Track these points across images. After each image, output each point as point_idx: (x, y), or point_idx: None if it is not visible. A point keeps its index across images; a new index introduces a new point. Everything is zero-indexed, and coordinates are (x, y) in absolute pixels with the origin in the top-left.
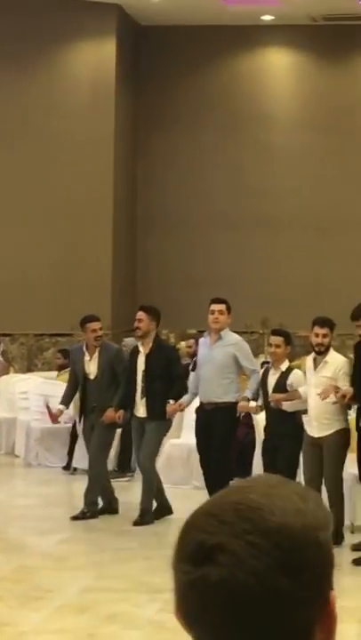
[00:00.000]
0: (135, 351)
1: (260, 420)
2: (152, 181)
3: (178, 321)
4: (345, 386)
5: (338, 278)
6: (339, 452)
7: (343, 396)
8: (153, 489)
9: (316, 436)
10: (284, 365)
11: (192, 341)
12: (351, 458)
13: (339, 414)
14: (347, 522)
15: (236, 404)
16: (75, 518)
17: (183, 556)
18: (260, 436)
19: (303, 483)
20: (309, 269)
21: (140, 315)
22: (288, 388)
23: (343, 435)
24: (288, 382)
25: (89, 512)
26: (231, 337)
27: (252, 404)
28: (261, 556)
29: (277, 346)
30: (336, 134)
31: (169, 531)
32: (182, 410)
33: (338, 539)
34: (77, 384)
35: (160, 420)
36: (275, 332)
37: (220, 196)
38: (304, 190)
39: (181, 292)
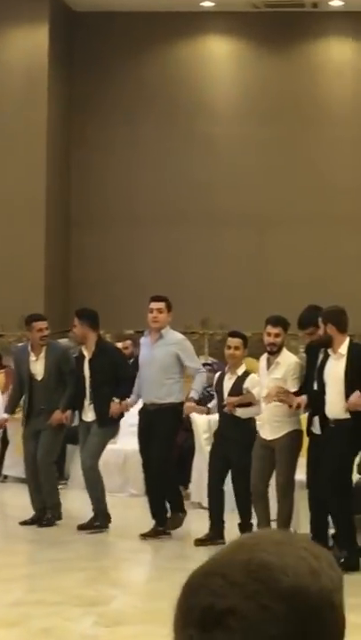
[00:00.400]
0: (80, 355)
1: (200, 423)
2: (88, 174)
3: (115, 321)
4: (294, 388)
5: (282, 276)
6: (290, 454)
7: (298, 406)
8: (98, 489)
9: (268, 438)
10: (241, 369)
11: (128, 342)
12: (300, 463)
13: (290, 415)
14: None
15: (180, 404)
16: (40, 525)
17: (190, 620)
18: (199, 440)
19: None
20: (252, 267)
21: (75, 321)
22: (244, 392)
23: (295, 437)
24: (244, 387)
25: (53, 516)
26: (173, 336)
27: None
28: (276, 621)
29: (236, 348)
30: (280, 125)
31: (106, 541)
32: (127, 410)
33: None
34: (22, 387)
35: (107, 426)
36: (233, 334)
37: (158, 189)
38: (247, 184)
39: (118, 291)
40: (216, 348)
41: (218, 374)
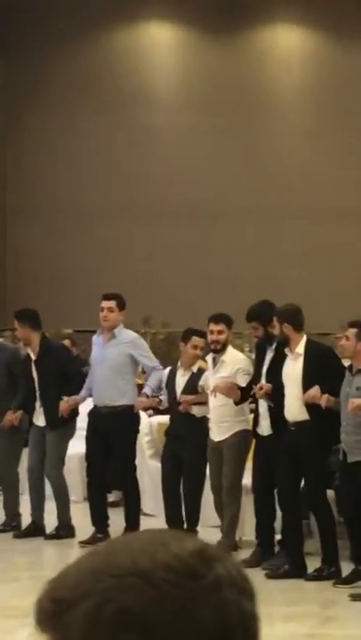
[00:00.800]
0: (27, 357)
1: (141, 425)
2: (23, 165)
3: (52, 320)
4: (243, 384)
5: (227, 272)
6: (237, 455)
7: (261, 389)
8: (65, 499)
9: (216, 439)
10: (196, 367)
11: (67, 342)
12: (247, 466)
13: (239, 415)
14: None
15: (133, 406)
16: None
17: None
18: (140, 442)
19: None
20: (196, 262)
21: (15, 323)
22: (199, 390)
23: (244, 437)
24: (200, 384)
25: (14, 522)
26: (126, 335)
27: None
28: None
29: (220, 332)
30: (224, 114)
31: (40, 549)
32: (76, 405)
33: (231, 549)
34: None
35: (60, 428)
36: (199, 334)
37: (97, 181)
38: (190, 176)
39: (55, 288)
40: (159, 347)
41: (168, 371)
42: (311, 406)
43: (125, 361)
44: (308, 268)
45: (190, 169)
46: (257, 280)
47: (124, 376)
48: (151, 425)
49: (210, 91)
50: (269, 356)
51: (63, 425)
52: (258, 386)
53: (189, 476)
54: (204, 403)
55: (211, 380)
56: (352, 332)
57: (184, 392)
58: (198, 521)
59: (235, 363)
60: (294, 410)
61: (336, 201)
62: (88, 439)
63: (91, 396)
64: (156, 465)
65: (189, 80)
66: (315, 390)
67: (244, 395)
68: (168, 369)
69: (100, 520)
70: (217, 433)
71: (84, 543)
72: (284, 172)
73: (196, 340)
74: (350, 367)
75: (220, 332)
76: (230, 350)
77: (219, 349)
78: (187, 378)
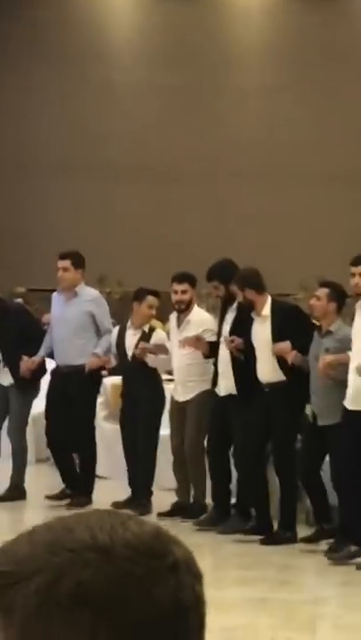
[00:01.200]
0: None
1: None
2: None
3: (5, 279)
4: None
5: (184, 232)
6: (200, 414)
7: (232, 342)
8: (22, 461)
9: (181, 399)
10: (147, 326)
11: (20, 301)
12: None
13: (204, 375)
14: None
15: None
16: None
17: None
18: (107, 400)
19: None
20: (153, 222)
21: None
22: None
23: (206, 396)
24: (152, 342)
25: None
26: (88, 292)
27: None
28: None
29: (183, 292)
30: (183, 72)
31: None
32: (35, 365)
33: (201, 511)
34: None
35: (24, 388)
36: (153, 293)
37: (52, 139)
38: (146, 135)
39: (7, 247)
40: (114, 306)
41: (117, 329)
42: (285, 367)
43: (86, 320)
44: (266, 230)
45: (146, 128)
46: (215, 240)
47: (85, 335)
48: (105, 386)
49: (167, 47)
50: (231, 315)
51: (28, 385)
52: (229, 338)
53: (145, 436)
54: (159, 354)
55: (175, 339)
56: (324, 291)
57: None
58: (153, 482)
59: (201, 323)
60: (268, 371)
61: (295, 162)
62: (48, 398)
63: (50, 355)
64: (109, 427)
65: (146, 36)
66: (285, 344)
67: (211, 350)
68: (117, 328)
69: (69, 475)
70: (182, 393)
71: (51, 498)
72: (241, 131)
73: (151, 299)
74: (319, 328)
75: (183, 292)
76: (196, 310)
77: (183, 309)
78: (138, 337)
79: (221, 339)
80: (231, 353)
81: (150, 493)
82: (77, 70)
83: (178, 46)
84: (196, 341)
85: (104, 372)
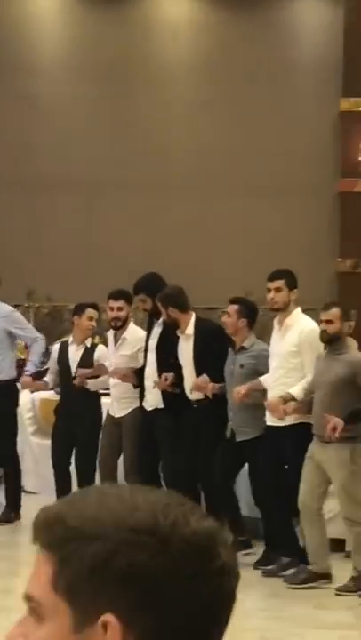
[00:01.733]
0: None
1: (22, 402)
2: None
3: None
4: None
5: (112, 245)
6: (135, 429)
7: (166, 380)
8: None
9: (117, 415)
10: (89, 341)
11: None
12: None
13: (137, 392)
14: None
15: (10, 381)
16: None
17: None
18: (22, 419)
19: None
20: (79, 235)
21: None
22: (95, 365)
23: (139, 412)
24: (95, 358)
25: None
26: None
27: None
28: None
29: (95, 319)
30: (110, 84)
31: None
32: None
33: None
34: None
35: None
36: (92, 306)
37: None
38: (74, 147)
39: None
40: (42, 321)
41: (59, 345)
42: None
43: (1, 335)
44: (195, 241)
45: (74, 139)
46: (145, 253)
47: (0, 352)
48: (34, 401)
49: (95, 60)
50: (158, 330)
51: None
52: (163, 377)
53: (84, 452)
54: (99, 376)
55: (113, 357)
56: (233, 308)
57: (80, 366)
58: None
59: (136, 341)
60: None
61: (223, 174)
62: None
63: None
64: (38, 442)
65: (74, 48)
66: (202, 379)
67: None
68: (57, 344)
69: None
70: (117, 409)
71: None
72: (169, 143)
73: (90, 311)
74: (233, 344)
75: (119, 309)
76: (132, 327)
77: (119, 326)
78: (81, 352)
79: (151, 380)
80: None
81: None
82: (3, 83)
83: (105, 60)
84: (123, 377)
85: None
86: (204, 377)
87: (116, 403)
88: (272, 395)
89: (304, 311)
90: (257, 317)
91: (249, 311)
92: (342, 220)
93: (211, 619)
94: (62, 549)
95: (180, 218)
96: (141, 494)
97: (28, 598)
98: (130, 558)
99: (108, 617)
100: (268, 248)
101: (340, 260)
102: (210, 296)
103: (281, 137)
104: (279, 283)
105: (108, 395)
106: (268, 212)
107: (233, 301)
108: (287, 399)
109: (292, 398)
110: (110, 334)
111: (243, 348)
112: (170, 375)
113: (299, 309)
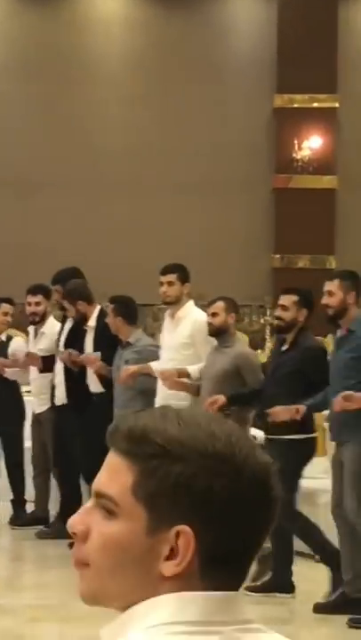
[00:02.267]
0: None
1: None
2: None
3: None
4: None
5: (45, 244)
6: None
7: (69, 355)
8: None
9: (37, 411)
10: (4, 335)
11: None
12: None
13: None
14: None
15: None
16: None
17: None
18: None
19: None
20: (13, 232)
21: None
22: (10, 357)
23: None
24: (10, 352)
25: None
26: None
27: None
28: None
29: (11, 314)
30: (43, 81)
31: None
32: None
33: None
34: None
35: None
36: (8, 301)
37: None
38: (7, 144)
39: None
40: None
41: None
42: (101, 378)
43: None
44: (130, 239)
45: (7, 137)
46: (76, 252)
47: None
48: None
49: (28, 57)
50: (68, 325)
51: None
52: (66, 352)
53: (12, 448)
54: (18, 367)
55: (33, 351)
56: (110, 307)
57: None
58: (25, 491)
59: (54, 335)
60: (93, 381)
61: (160, 170)
62: None
63: None
64: None
65: (6, 45)
66: (95, 355)
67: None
68: None
69: None
70: (37, 404)
71: None
72: (104, 141)
73: (5, 306)
74: (120, 340)
75: (37, 304)
76: (50, 321)
77: (37, 321)
78: None
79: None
80: (65, 364)
81: (24, 502)
82: None
83: (38, 55)
84: (31, 359)
85: None
86: (97, 353)
87: (36, 398)
88: (160, 386)
89: (241, 307)
90: (135, 313)
91: (123, 308)
92: (277, 216)
93: (257, 542)
94: (146, 463)
95: (115, 216)
96: (215, 423)
97: (102, 495)
98: (208, 482)
99: (184, 527)
100: (202, 245)
101: (274, 255)
102: (143, 293)
103: (216, 133)
104: (172, 277)
105: (29, 392)
106: (202, 208)
107: (110, 301)
108: (183, 374)
109: (187, 375)
110: (30, 329)
111: (128, 344)
112: (74, 352)
113: (191, 302)
